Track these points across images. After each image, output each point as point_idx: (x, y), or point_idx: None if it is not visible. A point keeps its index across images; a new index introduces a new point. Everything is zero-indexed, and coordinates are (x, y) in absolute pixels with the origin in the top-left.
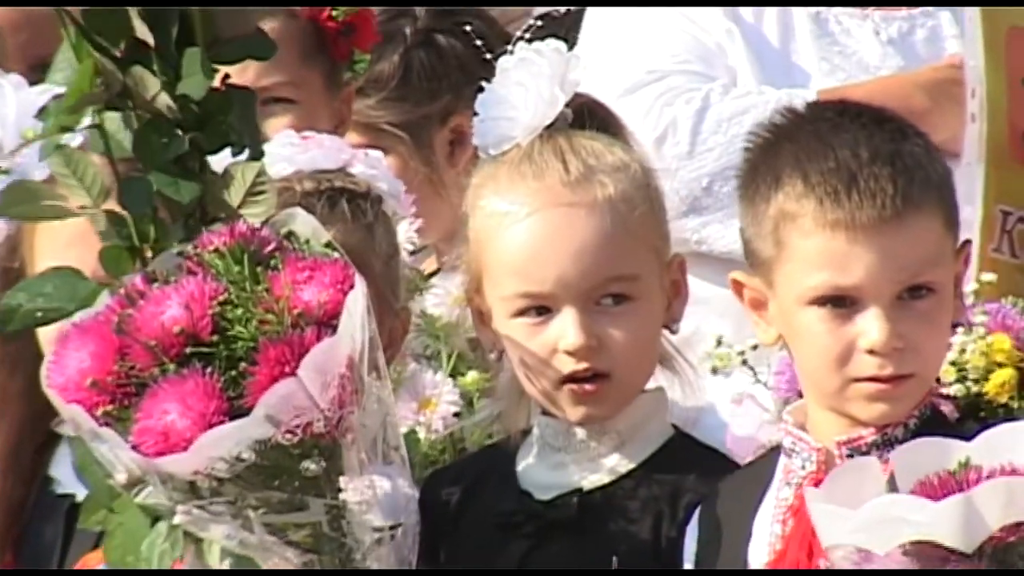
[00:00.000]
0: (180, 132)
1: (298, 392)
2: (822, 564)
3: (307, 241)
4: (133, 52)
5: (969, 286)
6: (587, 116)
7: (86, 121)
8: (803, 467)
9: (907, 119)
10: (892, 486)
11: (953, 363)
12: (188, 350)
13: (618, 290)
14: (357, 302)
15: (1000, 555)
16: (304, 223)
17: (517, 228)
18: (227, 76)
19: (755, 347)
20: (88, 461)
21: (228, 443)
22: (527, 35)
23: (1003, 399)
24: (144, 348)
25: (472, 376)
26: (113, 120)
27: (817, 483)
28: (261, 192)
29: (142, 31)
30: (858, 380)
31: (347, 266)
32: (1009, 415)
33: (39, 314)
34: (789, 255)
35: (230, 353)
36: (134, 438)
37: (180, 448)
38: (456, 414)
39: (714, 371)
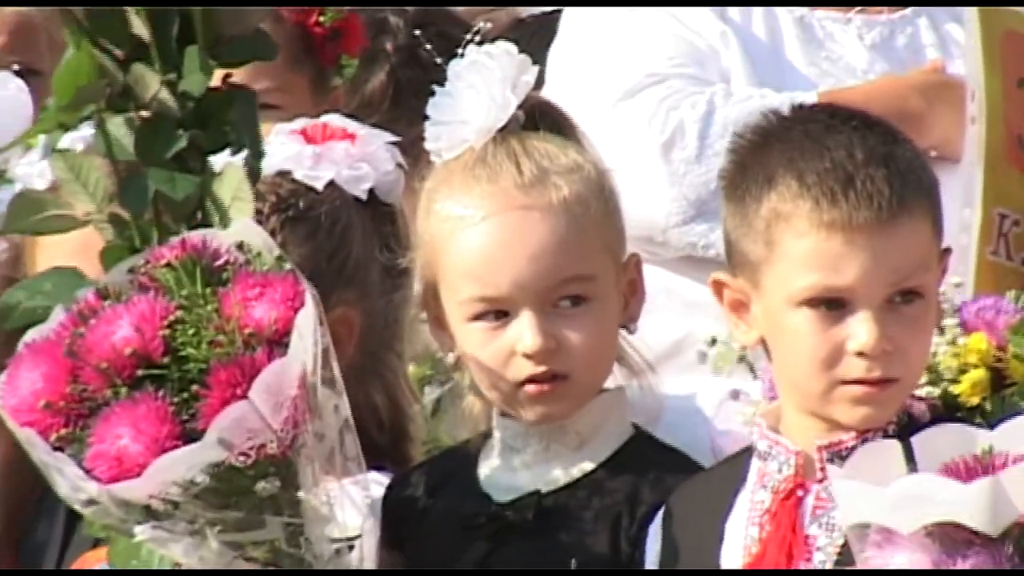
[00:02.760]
0: (179, 130)
1: (250, 414)
2: (802, 566)
3: (259, 254)
4: (135, 51)
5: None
6: (539, 117)
7: (86, 122)
8: (780, 471)
9: (901, 122)
10: (913, 470)
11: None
12: (140, 372)
13: (575, 291)
14: (308, 319)
15: None
16: (255, 234)
17: (472, 232)
18: (229, 75)
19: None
20: (52, 478)
21: (181, 468)
22: (477, 38)
23: (975, 400)
24: (96, 370)
25: (411, 369)
26: (116, 123)
27: (796, 487)
28: (243, 197)
29: (140, 28)
30: (845, 383)
31: (298, 282)
32: (984, 416)
33: (38, 311)
34: (780, 255)
35: (182, 375)
36: (88, 463)
37: (133, 474)
38: None
39: (716, 370)
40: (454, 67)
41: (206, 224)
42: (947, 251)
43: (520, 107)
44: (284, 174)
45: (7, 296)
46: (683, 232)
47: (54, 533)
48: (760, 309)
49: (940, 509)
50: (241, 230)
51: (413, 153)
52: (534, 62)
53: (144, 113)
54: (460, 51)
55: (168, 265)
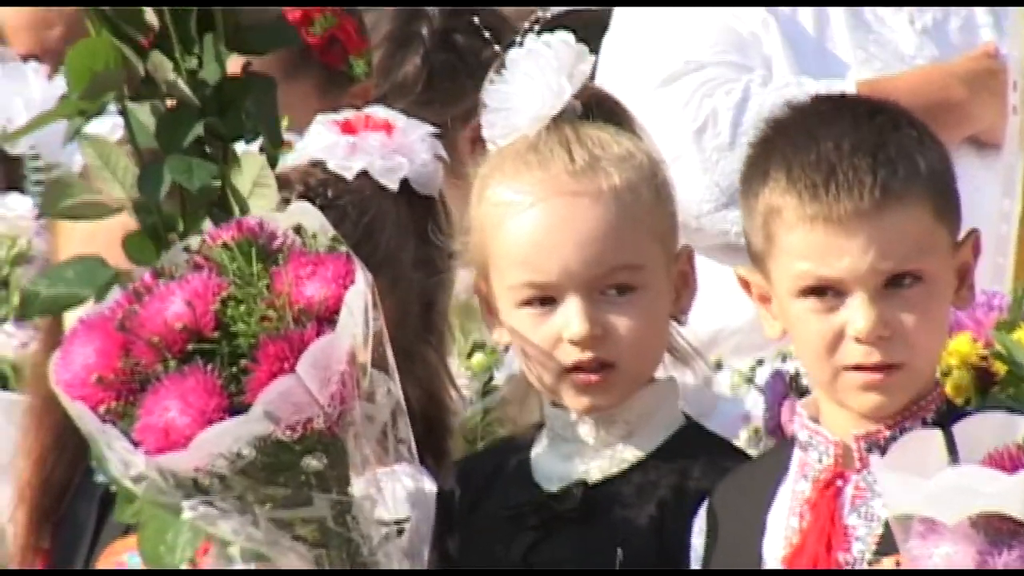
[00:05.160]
0: (198, 118)
1: (297, 388)
2: (840, 557)
3: (314, 235)
4: (157, 40)
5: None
6: (595, 107)
7: (109, 108)
8: (820, 460)
9: (943, 111)
10: (954, 458)
11: None
12: (191, 347)
13: (623, 280)
14: (358, 297)
15: None
16: (312, 217)
17: (522, 217)
18: (248, 63)
19: (760, 362)
20: (100, 454)
21: (227, 440)
22: (536, 27)
23: (959, 401)
24: (148, 344)
25: (478, 358)
26: (142, 110)
27: (835, 476)
28: (266, 184)
29: (152, 16)
30: (847, 368)
31: (350, 261)
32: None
33: (60, 299)
34: (778, 249)
35: (232, 350)
36: (136, 435)
37: (180, 445)
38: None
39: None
40: (512, 55)
41: (226, 211)
42: (972, 232)
43: (576, 96)
44: (318, 163)
45: (30, 284)
46: (716, 219)
47: (90, 516)
48: (776, 301)
49: (985, 500)
50: (297, 213)
51: (447, 137)
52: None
53: (169, 102)
54: (519, 39)
55: (224, 246)
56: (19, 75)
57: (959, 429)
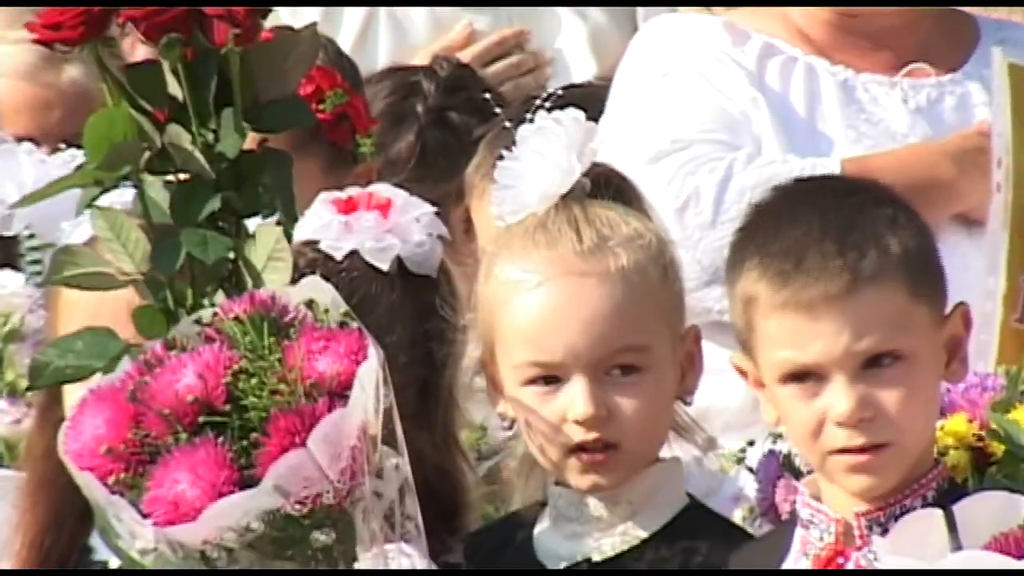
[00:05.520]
0: (214, 192)
1: (307, 463)
2: None
3: (326, 310)
4: (173, 113)
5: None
6: (604, 186)
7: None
8: (821, 539)
9: (930, 189)
10: (954, 538)
11: None
12: (202, 419)
13: (628, 361)
14: (371, 373)
15: None
16: (323, 292)
17: (529, 296)
18: (265, 139)
19: (751, 443)
20: (107, 525)
21: (237, 513)
22: (547, 104)
23: (958, 480)
24: (159, 416)
25: (464, 434)
26: (154, 185)
27: (836, 554)
28: (281, 258)
29: (175, 89)
30: (833, 452)
31: (363, 337)
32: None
33: (68, 371)
34: (758, 337)
35: (243, 423)
36: (145, 507)
37: (189, 518)
38: None
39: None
40: (522, 132)
41: (239, 286)
42: (959, 305)
43: (585, 174)
44: (310, 243)
45: (39, 355)
46: (698, 297)
47: None
48: (766, 387)
49: None
50: (309, 287)
51: (441, 215)
52: None
53: (182, 176)
54: (529, 116)
55: (236, 319)
56: (11, 156)
57: (959, 509)
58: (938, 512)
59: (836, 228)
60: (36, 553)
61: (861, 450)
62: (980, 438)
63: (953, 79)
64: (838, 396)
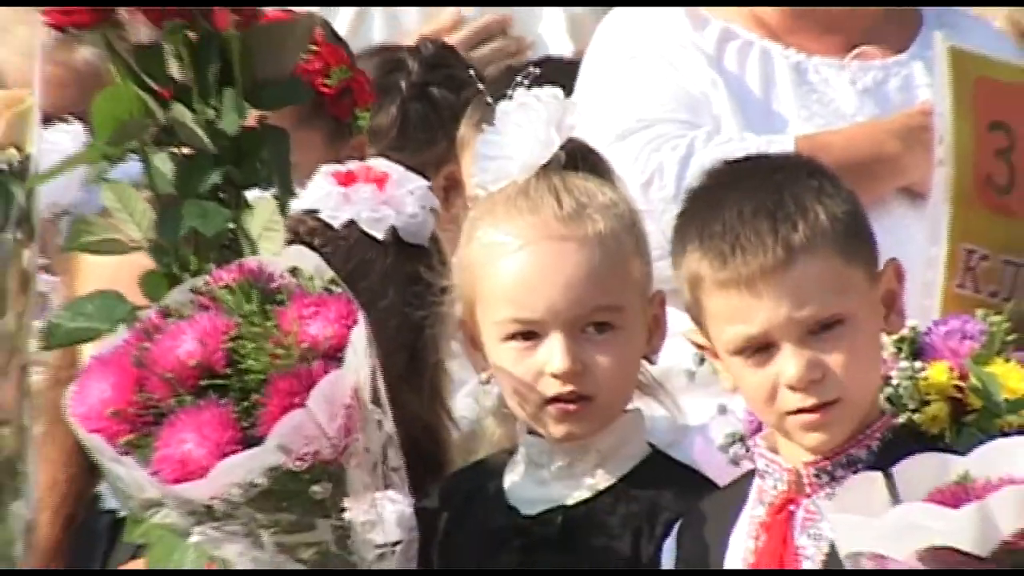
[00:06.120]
0: (215, 166)
1: (308, 422)
2: None
3: (310, 278)
4: (177, 92)
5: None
6: (579, 159)
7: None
8: (775, 487)
9: (877, 163)
10: (895, 498)
11: (888, 399)
12: (203, 382)
13: (603, 319)
14: (361, 337)
15: (1014, 558)
16: (309, 260)
17: (512, 258)
18: (264, 116)
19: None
20: (113, 481)
21: (242, 471)
22: (526, 81)
23: (935, 431)
24: (162, 380)
25: None
26: (160, 157)
27: (787, 501)
28: (275, 228)
29: (177, 70)
30: (789, 413)
31: (351, 302)
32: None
33: (80, 332)
34: (706, 313)
35: (243, 385)
36: (154, 465)
37: (197, 476)
38: None
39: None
40: (503, 107)
41: (239, 254)
42: (890, 262)
43: (562, 148)
44: (311, 212)
45: (52, 317)
46: (662, 266)
47: (100, 537)
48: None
49: (933, 535)
50: (294, 256)
51: None
52: None
53: (185, 150)
54: (510, 92)
55: (227, 287)
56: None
57: (899, 471)
58: (879, 474)
59: (766, 205)
60: (69, 460)
61: (813, 409)
62: (960, 389)
63: (898, 61)
64: (787, 362)
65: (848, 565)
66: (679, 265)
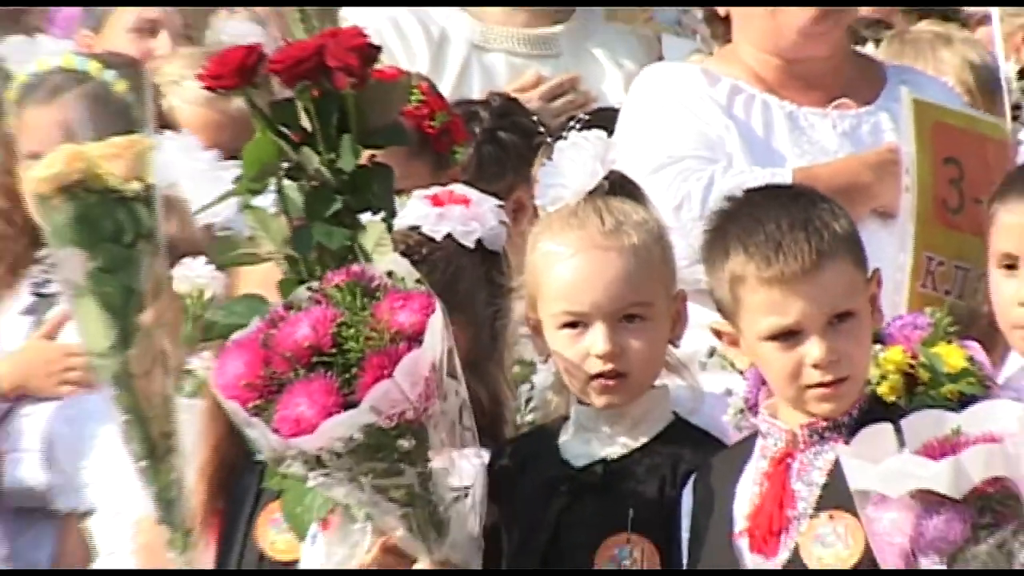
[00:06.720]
0: (336, 196)
1: (394, 390)
2: (788, 513)
3: (402, 279)
4: (305, 138)
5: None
6: (618, 186)
7: (270, 188)
8: (775, 444)
9: (854, 190)
10: (901, 445)
11: None
12: (314, 359)
13: (636, 312)
14: (438, 323)
15: (982, 501)
16: (401, 265)
17: (564, 264)
18: (374, 155)
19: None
20: (252, 439)
21: (343, 428)
22: (577, 125)
23: (892, 399)
24: (283, 358)
25: (516, 370)
26: (291, 188)
27: (786, 455)
28: (385, 244)
29: (306, 121)
30: (810, 387)
31: (431, 296)
32: (901, 411)
33: (231, 326)
34: (744, 307)
35: (345, 361)
36: (275, 424)
37: (308, 432)
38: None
39: (722, 367)
40: (559, 145)
41: (356, 263)
42: (876, 271)
43: (605, 178)
44: (414, 228)
45: (209, 315)
46: (690, 272)
47: (253, 484)
48: (744, 343)
49: (918, 481)
50: (390, 262)
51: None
52: None
53: (313, 183)
54: (564, 134)
55: (336, 286)
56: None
57: (906, 424)
58: (889, 426)
59: (799, 220)
60: (216, 454)
61: (829, 384)
62: (912, 366)
63: (868, 111)
64: (813, 347)
65: (857, 500)
66: (719, 268)
